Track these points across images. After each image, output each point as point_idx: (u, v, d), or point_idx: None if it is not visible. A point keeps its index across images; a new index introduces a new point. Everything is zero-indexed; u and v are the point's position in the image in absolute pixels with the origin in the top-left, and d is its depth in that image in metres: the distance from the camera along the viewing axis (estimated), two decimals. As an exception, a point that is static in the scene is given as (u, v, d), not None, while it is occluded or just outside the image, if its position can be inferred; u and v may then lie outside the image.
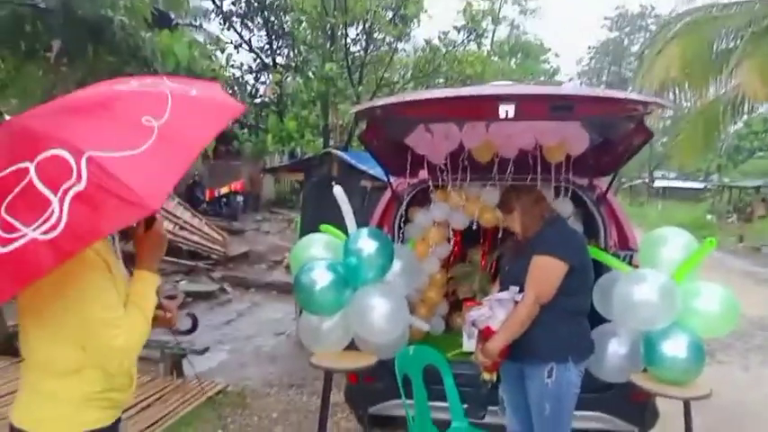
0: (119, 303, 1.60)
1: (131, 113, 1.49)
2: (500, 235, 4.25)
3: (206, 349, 5.31)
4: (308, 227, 4.10)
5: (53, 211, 1.32)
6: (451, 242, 4.50)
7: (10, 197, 1.37)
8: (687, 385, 2.71)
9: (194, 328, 2.22)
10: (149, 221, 1.75)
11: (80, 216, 1.33)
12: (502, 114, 2.64)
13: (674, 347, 2.67)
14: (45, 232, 1.31)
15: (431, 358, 3.18)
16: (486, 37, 17.02)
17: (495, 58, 22.29)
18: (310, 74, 12.04)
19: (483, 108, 2.95)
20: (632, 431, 3.19)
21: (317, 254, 3.11)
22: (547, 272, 2.66)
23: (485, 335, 2.70)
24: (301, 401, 4.76)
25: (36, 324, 1.61)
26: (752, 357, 6.44)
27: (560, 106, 2.85)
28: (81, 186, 1.33)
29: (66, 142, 1.39)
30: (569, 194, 3.93)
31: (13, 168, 1.40)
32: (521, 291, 2.68)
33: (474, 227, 4.19)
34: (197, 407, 4.42)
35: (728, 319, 2.77)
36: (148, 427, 4.00)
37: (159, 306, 1.81)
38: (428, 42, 12.47)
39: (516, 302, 2.67)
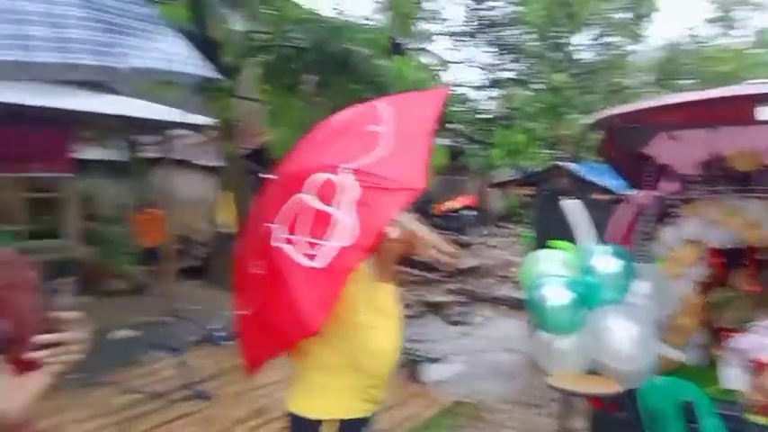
0: (369, 309, 1.82)
1: (357, 127, 1.74)
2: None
3: (441, 359, 5.53)
4: (539, 242, 4.03)
5: (343, 221, 1.59)
6: (706, 263, 3.99)
7: (302, 226, 1.68)
8: None
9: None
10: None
11: (368, 215, 1.59)
12: (760, 117, 2.31)
13: None
14: (345, 240, 1.58)
15: (687, 393, 2.85)
16: (743, 28, 14.75)
17: (759, 51, 19.17)
18: (539, 86, 11.85)
19: (737, 110, 2.60)
20: None
21: (549, 270, 3.04)
22: None
23: (757, 369, 2.35)
24: (537, 421, 4.67)
25: None
26: None
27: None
28: (357, 193, 1.59)
29: (324, 167, 1.67)
30: None
31: (295, 200, 1.71)
32: None
33: (733, 246, 3.66)
34: (435, 414, 4.63)
35: None
36: (390, 429, 4.30)
37: None
38: (668, 41, 11.31)
39: None
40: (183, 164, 9.89)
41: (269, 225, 1.73)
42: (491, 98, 14.92)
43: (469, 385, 5.64)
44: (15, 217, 6.91)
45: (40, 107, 5.53)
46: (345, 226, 1.58)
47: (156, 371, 5.14)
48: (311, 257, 1.59)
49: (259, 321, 1.82)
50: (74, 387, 4.45)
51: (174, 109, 6.50)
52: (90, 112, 6.20)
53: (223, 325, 6.19)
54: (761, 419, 2.39)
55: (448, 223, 15.38)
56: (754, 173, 3.35)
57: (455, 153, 16.10)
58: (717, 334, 4.04)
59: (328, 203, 1.62)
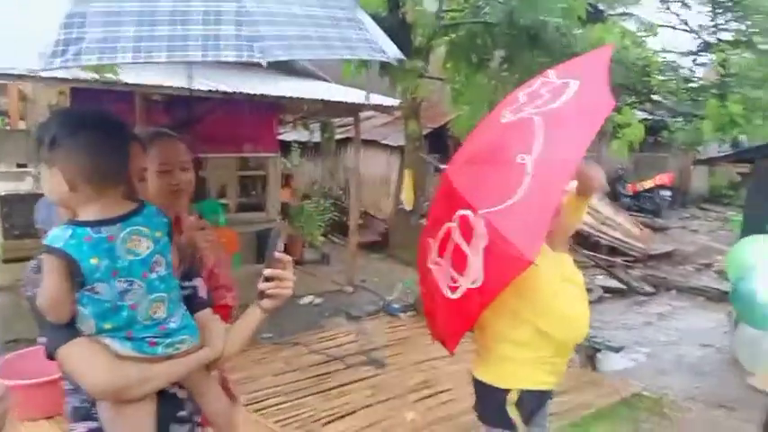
0: (563, 279, 1.88)
1: (508, 155, 1.67)
2: None
3: (622, 348, 5.19)
4: (752, 227, 3.52)
5: (473, 265, 1.64)
6: None
7: (447, 254, 1.76)
8: None
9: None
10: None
11: (491, 268, 1.64)
12: None
13: None
14: (473, 282, 1.64)
15: None
16: None
17: None
18: (765, 47, 10.14)
19: None
20: None
21: (763, 259, 2.65)
22: None
23: None
24: (728, 425, 4.15)
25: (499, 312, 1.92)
26: None
27: None
28: (486, 242, 1.59)
29: (468, 204, 1.68)
30: None
31: (446, 227, 1.77)
32: None
33: None
34: (613, 404, 4.37)
35: None
36: (564, 412, 4.16)
37: None
38: None
39: None
40: (370, 143, 10.44)
41: (429, 240, 1.90)
42: (701, 64, 13.15)
43: (652, 379, 5.21)
44: (229, 192, 7.95)
45: (253, 94, 6.27)
46: (478, 270, 1.66)
47: (336, 336, 5.57)
48: (453, 290, 1.74)
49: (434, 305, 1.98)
50: (268, 344, 5.09)
51: (364, 92, 6.86)
52: (294, 98, 6.85)
53: (399, 296, 6.50)
54: None
55: (641, 204, 14.14)
56: None
57: (656, 127, 14.58)
58: None
59: (468, 241, 1.70)
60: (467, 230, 1.69)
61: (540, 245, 1.60)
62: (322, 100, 7.11)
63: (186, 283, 1.34)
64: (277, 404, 4.10)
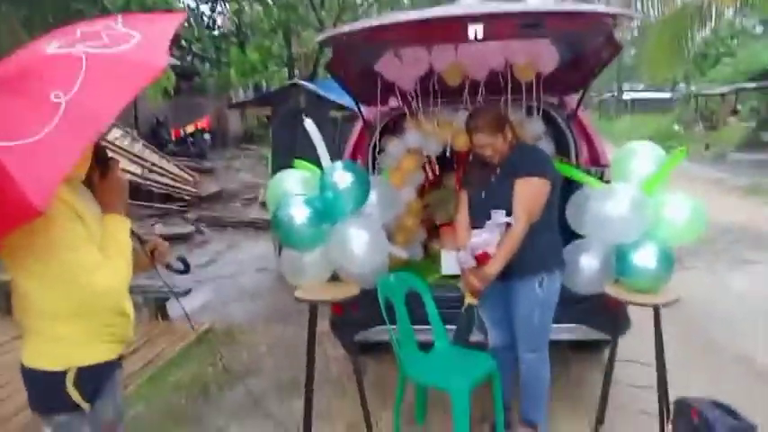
0: (92, 247, 1.63)
1: (43, 88, 1.43)
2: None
3: (188, 291, 5.33)
4: (280, 162, 4.04)
5: None
6: (427, 170, 4.51)
7: None
8: (657, 293, 2.84)
9: (187, 268, 2.20)
10: (104, 167, 1.76)
11: None
12: (471, 35, 2.59)
13: (644, 258, 2.77)
14: None
15: (411, 283, 3.25)
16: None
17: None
18: (269, 1, 11.48)
19: (452, 29, 2.87)
20: (605, 339, 3.36)
21: (293, 190, 3.09)
22: (536, 192, 2.75)
23: (480, 260, 2.76)
24: (288, 334, 4.87)
25: (23, 276, 1.65)
26: (719, 263, 6.75)
27: (529, 24, 2.79)
28: None
29: None
30: (540, 113, 3.93)
31: None
32: (508, 214, 2.72)
33: (447, 152, 4.18)
34: (185, 347, 4.51)
35: (696, 227, 2.86)
36: (141, 368, 4.08)
37: (142, 244, 1.94)
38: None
39: (508, 225, 2.72)
40: None
41: None
42: (220, 13, 14.03)
43: (220, 312, 5.61)
44: None
45: None
46: None
47: None
48: None
49: None
50: None
51: None
52: None
53: None
54: (474, 301, 2.84)
55: (185, 149, 14.54)
56: (461, 87, 3.79)
57: (188, 74, 14.97)
58: (435, 230, 4.67)
59: None
60: None
61: (53, 193, 1.37)
62: None
63: None
64: None
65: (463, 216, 3.02)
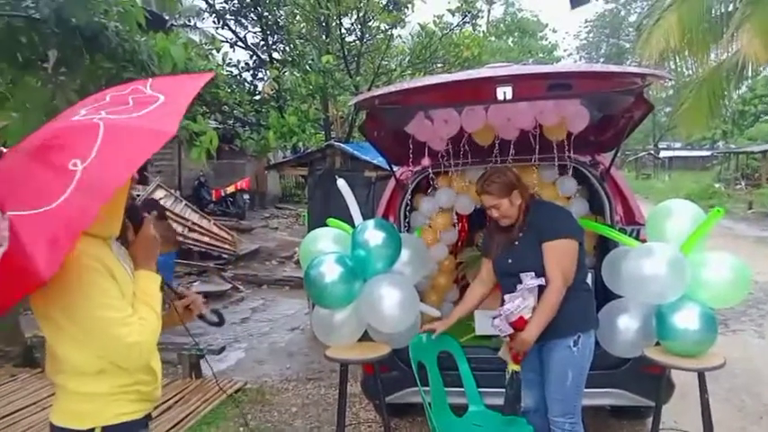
0: (124, 303, 1.66)
1: (63, 156, 1.48)
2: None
3: (222, 348, 5.37)
4: (316, 221, 4.11)
5: None
6: (457, 227, 4.51)
7: None
8: (701, 356, 2.72)
9: (221, 321, 2.23)
10: (137, 225, 1.83)
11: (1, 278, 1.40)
12: (500, 96, 2.65)
13: (686, 319, 2.67)
14: None
15: (445, 344, 3.20)
16: (482, 17, 16.83)
17: (493, 39, 22.07)
18: (307, 67, 11.98)
19: (481, 91, 2.94)
20: (648, 405, 3.20)
21: (326, 247, 3.13)
22: (568, 253, 2.73)
23: (517, 326, 2.70)
24: (319, 394, 4.81)
25: (53, 331, 1.68)
26: (766, 324, 6.42)
27: (557, 84, 2.84)
28: (4, 249, 1.38)
29: None
30: (572, 172, 3.92)
31: None
32: (537, 276, 2.69)
33: (478, 210, 4.18)
34: (218, 406, 4.48)
35: (740, 288, 2.76)
36: (172, 427, 4.05)
37: (178, 299, 1.96)
38: (423, 27, 12.35)
39: (539, 287, 2.69)
40: None
41: None
42: (260, 79, 14.70)
43: (253, 370, 5.58)
44: None
45: None
46: None
47: None
48: None
49: None
50: None
51: None
52: None
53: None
54: (516, 367, 2.77)
55: (225, 208, 14.93)
56: (491, 146, 3.83)
57: (229, 136, 15.55)
58: (467, 289, 4.62)
59: None
60: None
61: (60, 263, 1.41)
62: None
63: None
64: None
65: (478, 283, 3.01)
